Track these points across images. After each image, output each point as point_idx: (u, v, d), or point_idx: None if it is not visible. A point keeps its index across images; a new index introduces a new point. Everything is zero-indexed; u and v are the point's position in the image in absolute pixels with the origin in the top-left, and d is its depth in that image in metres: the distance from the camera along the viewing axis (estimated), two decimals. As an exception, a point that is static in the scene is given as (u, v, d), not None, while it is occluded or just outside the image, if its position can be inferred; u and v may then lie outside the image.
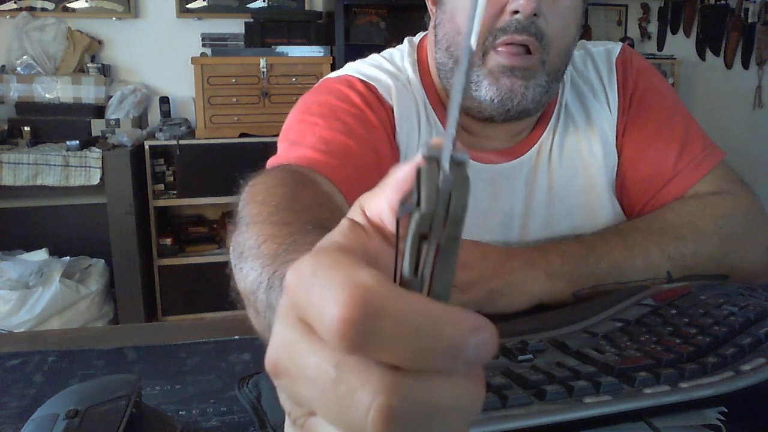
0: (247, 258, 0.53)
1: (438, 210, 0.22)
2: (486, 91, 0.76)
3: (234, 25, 3.02)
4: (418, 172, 0.22)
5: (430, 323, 0.20)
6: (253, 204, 0.62)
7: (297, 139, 0.79)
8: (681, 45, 3.68)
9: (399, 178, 0.24)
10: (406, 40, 0.93)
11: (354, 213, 0.26)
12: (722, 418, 0.48)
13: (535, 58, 0.75)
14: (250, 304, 0.51)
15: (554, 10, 0.75)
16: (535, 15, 0.73)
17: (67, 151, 2.48)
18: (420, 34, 0.93)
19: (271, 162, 0.78)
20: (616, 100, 0.87)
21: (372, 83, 0.84)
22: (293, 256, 0.45)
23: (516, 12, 0.73)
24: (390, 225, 0.25)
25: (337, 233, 0.25)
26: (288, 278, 0.22)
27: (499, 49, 0.75)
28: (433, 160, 0.22)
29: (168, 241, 2.75)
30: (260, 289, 0.47)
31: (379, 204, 0.25)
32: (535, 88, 0.76)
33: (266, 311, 0.45)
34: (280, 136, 0.83)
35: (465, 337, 0.20)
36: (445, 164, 0.22)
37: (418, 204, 0.22)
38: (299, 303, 0.22)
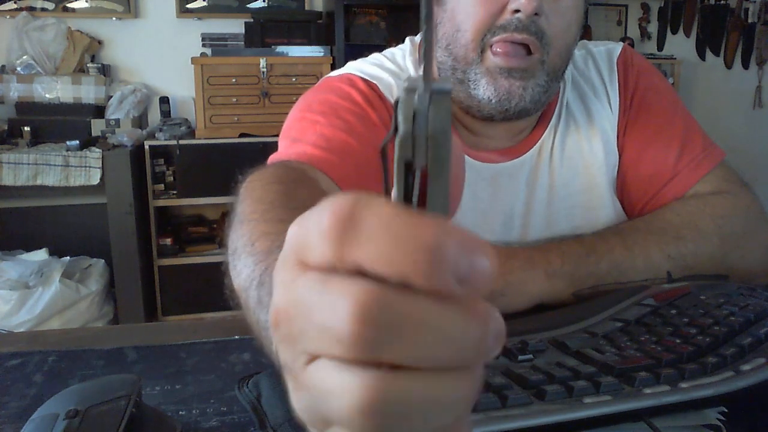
0: (240, 255, 0.53)
1: (419, 132, 0.21)
2: (484, 90, 0.76)
3: (234, 25, 3.02)
4: (396, 101, 0.22)
5: (409, 224, 0.20)
6: (249, 201, 0.62)
7: (298, 136, 0.79)
8: (681, 45, 3.68)
9: None
10: (407, 39, 0.93)
11: None
12: (722, 418, 0.48)
13: (535, 58, 0.75)
14: (243, 301, 0.51)
15: (555, 9, 0.75)
16: (536, 14, 0.73)
17: (67, 151, 2.48)
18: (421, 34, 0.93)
19: (272, 159, 0.78)
20: (617, 99, 0.87)
21: (373, 82, 0.84)
22: None
23: (517, 11, 0.73)
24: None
25: None
26: (289, 231, 0.23)
27: (497, 49, 0.74)
28: (411, 90, 0.22)
29: (168, 241, 2.75)
30: (252, 286, 0.47)
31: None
32: (534, 88, 0.76)
33: (256, 308, 0.45)
34: (280, 134, 0.83)
35: (445, 238, 0.20)
36: (421, 85, 0.21)
37: (395, 132, 0.22)
38: (296, 242, 0.22)
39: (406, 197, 0.22)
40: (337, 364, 0.20)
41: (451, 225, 0.20)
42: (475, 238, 0.21)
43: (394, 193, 0.22)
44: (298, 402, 0.23)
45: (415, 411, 0.20)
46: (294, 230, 0.22)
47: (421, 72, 0.22)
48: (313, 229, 0.21)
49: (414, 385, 0.20)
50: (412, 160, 0.21)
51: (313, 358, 0.21)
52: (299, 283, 0.21)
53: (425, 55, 0.22)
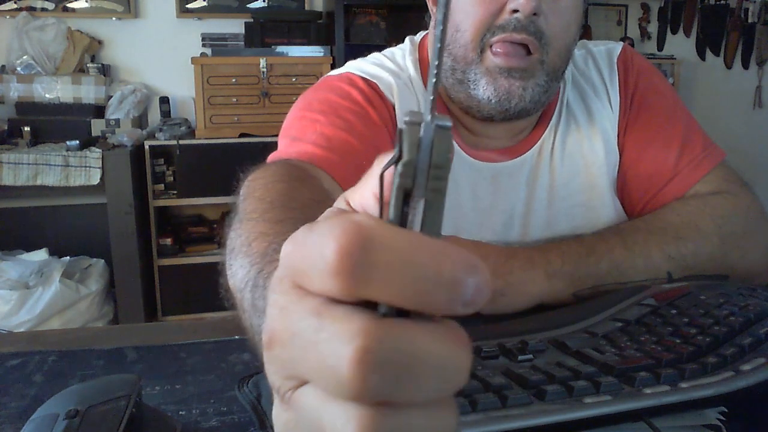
0: (237, 255, 0.53)
1: (421, 163, 0.21)
2: (483, 90, 0.76)
3: (234, 25, 3.02)
4: (400, 132, 0.22)
5: (429, 256, 0.20)
6: (250, 199, 0.61)
7: (298, 135, 0.79)
8: (681, 45, 3.68)
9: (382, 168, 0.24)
10: (407, 39, 0.93)
11: (339, 204, 0.26)
12: (722, 418, 0.48)
13: (534, 58, 0.75)
14: (238, 302, 0.50)
15: (554, 9, 0.75)
16: (535, 14, 0.73)
17: (67, 151, 2.48)
18: (421, 33, 0.93)
19: (272, 158, 0.78)
20: (618, 98, 0.87)
21: (374, 81, 0.84)
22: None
23: (516, 11, 0.73)
24: (373, 213, 0.25)
25: (322, 219, 0.25)
26: (284, 249, 0.22)
27: (496, 48, 0.74)
28: (414, 123, 0.22)
29: (168, 241, 2.75)
30: (246, 288, 0.47)
31: (363, 194, 0.25)
32: (533, 88, 0.76)
33: (250, 310, 0.45)
34: (280, 133, 0.83)
35: (464, 275, 0.20)
36: (427, 116, 0.22)
37: (398, 161, 0.22)
38: (293, 265, 0.21)
39: (401, 225, 0.22)
40: (329, 395, 0.20)
41: (460, 251, 0.20)
42: (475, 259, 0.20)
43: (389, 219, 0.22)
44: (282, 422, 0.23)
45: None
46: (289, 250, 0.22)
47: (424, 104, 0.22)
48: (315, 257, 0.20)
49: (410, 420, 0.20)
50: (411, 189, 0.22)
51: (303, 383, 0.21)
52: (296, 311, 0.21)
53: (432, 88, 0.22)
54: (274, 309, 0.22)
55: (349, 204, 0.26)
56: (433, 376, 0.20)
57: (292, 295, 0.21)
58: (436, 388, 0.20)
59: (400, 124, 0.22)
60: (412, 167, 0.22)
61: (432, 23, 0.86)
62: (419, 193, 0.22)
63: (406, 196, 0.22)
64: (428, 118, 0.22)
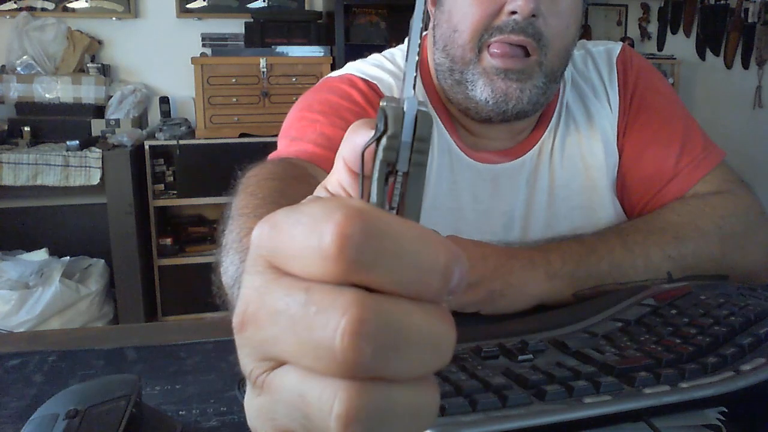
0: (228, 251, 0.53)
1: (405, 137, 0.22)
2: (481, 91, 0.76)
3: (234, 25, 3.02)
4: (383, 109, 0.22)
5: (425, 244, 0.20)
6: (242, 195, 0.62)
7: (297, 135, 0.79)
8: (681, 45, 3.68)
9: (351, 144, 0.24)
10: (407, 40, 0.93)
11: (318, 193, 0.27)
12: (722, 418, 0.48)
13: (532, 60, 0.75)
14: (229, 299, 0.50)
15: (553, 10, 0.75)
16: (533, 16, 0.73)
17: (67, 151, 2.48)
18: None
19: (271, 158, 0.78)
20: (617, 99, 0.87)
21: (374, 82, 0.84)
22: None
23: (514, 12, 0.73)
24: (349, 186, 0.25)
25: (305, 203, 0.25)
26: (255, 232, 0.22)
27: (494, 49, 0.74)
28: (395, 101, 0.22)
29: (168, 241, 2.75)
30: (236, 284, 0.47)
31: (336, 173, 0.25)
32: (531, 89, 0.76)
33: None
34: (280, 133, 0.83)
35: (454, 264, 0.20)
36: (410, 92, 0.22)
37: (381, 136, 0.22)
38: (272, 247, 0.21)
39: (383, 198, 0.22)
40: (312, 373, 0.20)
41: (447, 241, 0.21)
42: (459, 249, 0.21)
43: (372, 195, 0.22)
44: (255, 407, 0.22)
45: (395, 420, 0.20)
46: (265, 232, 0.21)
47: (406, 82, 0.23)
48: (308, 240, 0.20)
49: (396, 395, 0.20)
50: (394, 164, 0.22)
51: (279, 364, 0.21)
52: (276, 289, 0.21)
53: (408, 67, 0.23)
54: (248, 290, 0.22)
55: (327, 190, 0.26)
56: (422, 351, 0.20)
57: (269, 275, 0.21)
58: (424, 363, 0.20)
59: (381, 103, 0.23)
60: (397, 141, 0.22)
61: (432, 23, 0.86)
62: (402, 166, 0.22)
63: (388, 171, 0.22)
64: (411, 93, 0.22)
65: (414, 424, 0.21)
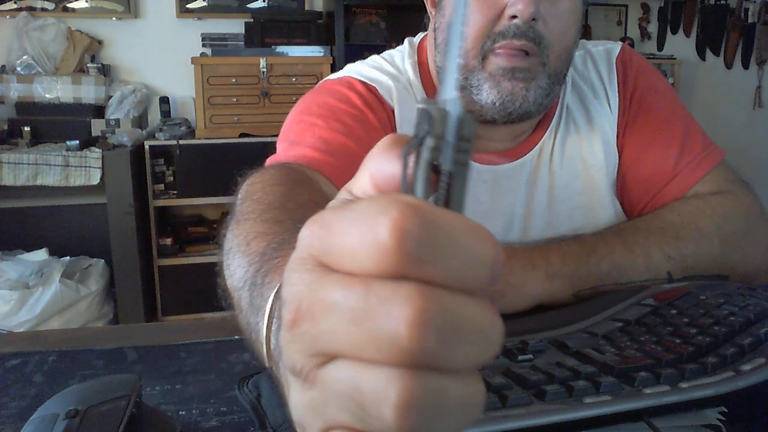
0: (235, 255, 0.53)
1: (448, 137, 0.22)
2: (487, 94, 0.76)
3: (234, 25, 3.02)
4: (424, 111, 0.23)
5: (478, 239, 0.21)
6: (248, 201, 0.62)
7: (296, 139, 0.79)
8: (681, 45, 3.68)
9: (380, 150, 0.24)
10: (406, 40, 0.93)
11: (342, 196, 0.26)
12: (722, 418, 0.48)
13: (535, 60, 0.75)
14: (235, 302, 0.50)
15: (553, 13, 0.75)
16: (533, 19, 0.73)
17: (67, 151, 2.48)
18: (420, 35, 0.93)
19: (270, 161, 0.78)
20: (617, 99, 0.87)
21: (373, 85, 0.84)
22: (279, 254, 0.45)
23: (514, 17, 0.73)
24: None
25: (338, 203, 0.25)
26: (303, 231, 0.22)
27: (498, 51, 0.74)
28: (434, 104, 0.23)
29: (168, 241, 2.75)
30: (245, 287, 0.47)
31: (363, 179, 0.25)
32: (536, 90, 0.76)
33: (248, 309, 0.45)
34: (279, 136, 0.83)
35: (499, 257, 0.21)
36: (454, 93, 0.22)
37: (423, 138, 0.22)
38: (321, 244, 0.22)
39: (427, 200, 0.23)
40: (368, 365, 0.20)
41: (488, 232, 0.21)
42: (498, 242, 0.22)
43: (418, 193, 0.23)
44: (304, 402, 0.23)
45: (449, 410, 0.21)
46: (316, 230, 0.22)
47: (448, 83, 0.23)
48: (363, 236, 0.20)
49: (450, 385, 0.21)
50: (438, 164, 0.22)
51: (331, 358, 0.21)
52: (329, 285, 0.21)
53: (450, 68, 0.23)
54: (299, 286, 0.22)
55: (352, 194, 0.26)
56: (476, 342, 0.21)
57: (320, 272, 0.22)
58: (478, 354, 0.21)
59: (419, 106, 0.23)
60: (443, 141, 0.22)
61: (431, 24, 0.86)
62: (447, 166, 0.22)
63: (433, 170, 0.23)
64: (455, 94, 0.22)
65: (464, 414, 0.21)
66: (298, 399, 0.23)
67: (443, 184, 0.22)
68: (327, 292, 0.21)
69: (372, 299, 0.20)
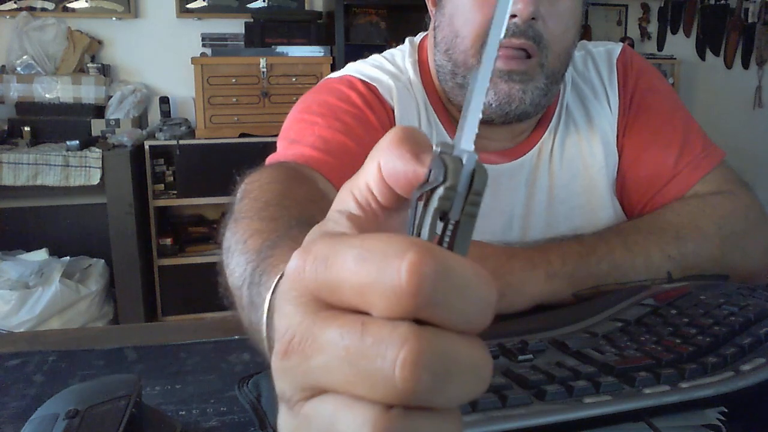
0: (233, 253, 0.53)
1: (460, 188, 0.23)
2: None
3: (234, 25, 3.02)
4: (441, 158, 0.23)
5: (483, 283, 0.21)
6: (246, 200, 0.62)
7: (296, 137, 0.79)
8: (681, 45, 3.68)
9: (390, 145, 0.24)
10: (407, 40, 0.93)
11: (341, 202, 0.26)
12: (722, 418, 0.48)
13: (533, 61, 0.75)
14: (236, 300, 0.50)
15: (553, 13, 0.75)
16: (533, 18, 0.73)
17: (67, 151, 2.48)
18: (421, 34, 0.93)
19: (270, 160, 0.78)
20: (617, 99, 0.87)
21: (373, 84, 0.84)
22: (275, 251, 0.45)
23: (514, 16, 0.73)
24: (379, 193, 0.25)
25: (331, 223, 0.25)
26: (292, 263, 0.22)
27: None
28: (450, 152, 0.23)
29: (168, 241, 2.75)
30: (244, 285, 0.47)
31: (371, 169, 0.25)
32: (533, 91, 0.76)
33: (248, 307, 0.45)
34: (279, 135, 0.83)
35: (496, 298, 0.21)
36: (470, 146, 0.23)
37: (436, 186, 0.23)
38: (319, 279, 0.22)
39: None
40: (355, 401, 0.21)
41: (491, 277, 0.22)
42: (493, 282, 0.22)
43: (424, 239, 0.23)
44: (289, 428, 0.23)
45: None
46: (308, 265, 0.22)
47: (465, 135, 0.24)
48: (375, 276, 0.20)
49: (422, 422, 0.21)
50: (447, 212, 0.23)
51: (319, 392, 0.22)
52: (324, 322, 0.21)
53: (471, 118, 0.24)
54: (290, 319, 0.22)
55: (355, 197, 0.26)
56: (468, 380, 0.21)
57: (314, 306, 0.22)
58: (468, 393, 0.21)
59: (435, 150, 0.24)
60: (454, 192, 0.23)
61: (432, 24, 0.86)
62: (455, 216, 0.23)
63: (440, 218, 0.23)
64: (471, 148, 0.23)
65: None
66: (283, 422, 0.23)
67: (449, 231, 0.23)
68: (321, 329, 0.21)
69: (368, 339, 0.20)
